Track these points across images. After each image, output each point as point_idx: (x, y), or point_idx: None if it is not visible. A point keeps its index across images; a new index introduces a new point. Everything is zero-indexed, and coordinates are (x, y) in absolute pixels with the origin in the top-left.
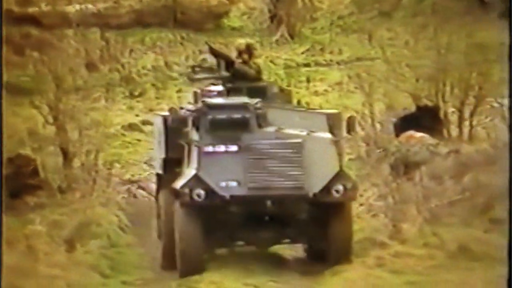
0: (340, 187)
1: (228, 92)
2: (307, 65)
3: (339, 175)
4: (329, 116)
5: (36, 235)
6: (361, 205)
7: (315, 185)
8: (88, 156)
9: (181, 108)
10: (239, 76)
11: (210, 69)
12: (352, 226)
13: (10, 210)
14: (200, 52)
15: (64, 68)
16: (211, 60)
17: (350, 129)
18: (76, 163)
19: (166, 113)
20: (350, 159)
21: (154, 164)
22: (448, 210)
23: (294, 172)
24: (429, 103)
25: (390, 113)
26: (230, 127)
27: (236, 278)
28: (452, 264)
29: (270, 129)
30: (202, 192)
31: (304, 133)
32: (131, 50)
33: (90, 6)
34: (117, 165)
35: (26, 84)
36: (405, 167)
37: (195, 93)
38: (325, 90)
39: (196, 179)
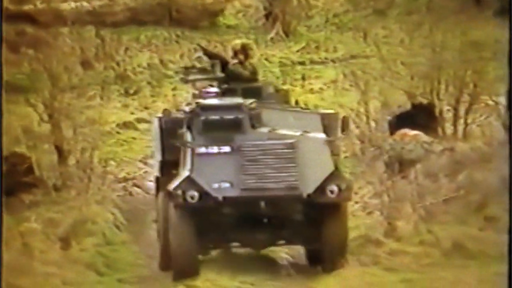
0: (335, 188)
1: (224, 93)
2: (302, 63)
3: (334, 176)
4: (323, 116)
5: (31, 233)
6: (356, 203)
7: (309, 186)
8: (83, 154)
9: (178, 110)
10: (233, 77)
11: (204, 70)
12: (347, 226)
13: (5, 208)
14: (195, 50)
15: (59, 66)
16: (206, 59)
17: (344, 128)
18: (71, 161)
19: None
20: (345, 157)
21: (154, 166)
22: (443, 208)
23: (288, 173)
24: (424, 101)
25: (385, 111)
26: (223, 128)
27: (232, 276)
28: (447, 261)
29: (264, 129)
30: (195, 194)
31: (298, 133)
32: (126, 48)
33: (85, 3)
34: (112, 163)
35: (21, 82)
36: (399, 165)
37: (194, 95)
38: (320, 88)
39: (189, 181)
